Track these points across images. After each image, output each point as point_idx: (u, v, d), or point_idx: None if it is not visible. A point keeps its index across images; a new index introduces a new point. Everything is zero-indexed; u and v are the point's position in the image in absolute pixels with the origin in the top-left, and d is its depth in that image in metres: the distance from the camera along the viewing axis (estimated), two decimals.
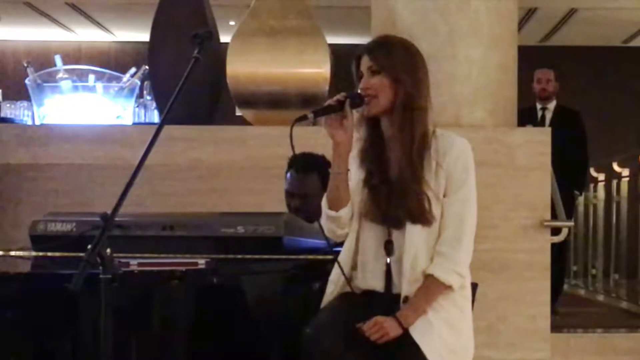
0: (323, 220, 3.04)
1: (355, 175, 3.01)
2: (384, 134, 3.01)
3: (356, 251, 3.04)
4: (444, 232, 2.95)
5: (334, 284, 3.05)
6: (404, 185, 2.93)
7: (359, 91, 2.97)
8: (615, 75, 13.22)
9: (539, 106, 7.05)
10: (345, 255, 3.05)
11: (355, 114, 2.98)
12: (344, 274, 3.00)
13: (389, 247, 2.98)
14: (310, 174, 4.11)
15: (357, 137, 3.01)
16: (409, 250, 2.93)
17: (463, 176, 2.97)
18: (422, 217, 2.92)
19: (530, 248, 4.86)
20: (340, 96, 2.95)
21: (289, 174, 4.17)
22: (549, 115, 7.01)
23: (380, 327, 2.85)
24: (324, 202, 3.03)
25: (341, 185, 2.97)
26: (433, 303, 2.92)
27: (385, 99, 2.95)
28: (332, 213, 3.00)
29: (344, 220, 3.01)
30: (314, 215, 4.03)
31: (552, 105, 7.03)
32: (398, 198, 2.94)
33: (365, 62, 2.99)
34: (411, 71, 2.97)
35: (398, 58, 2.97)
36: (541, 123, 6.88)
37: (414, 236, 2.93)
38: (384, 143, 3.01)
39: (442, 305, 2.93)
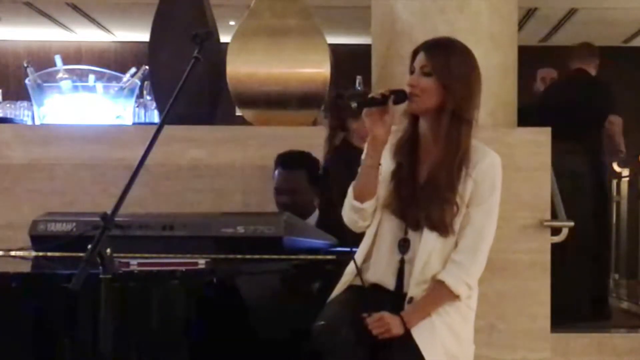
0: (346, 210, 3.04)
1: (385, 166, 3.00)
2: (420, 134, 3.00)
3: (373, 243, 3.04)
4: (462, 241, 2.95)
5: (349, 275, 3.07)
6: (432, 190, 2.92)
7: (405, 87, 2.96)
8: (615, 75, 13.20)
9: None
10: (362, 246, 3.06)
11: (400, 107, 2.97)
12: (357, 268, 3.01)
13: (403, 245, 2.98)
14: (297, 170, 4.16)
15: (395, 129, 3.00)
16: (422, 252, 2.93)
17: (489, 190, 2.97)
18: (441, 226, 2.92)
19: (530, 248, 4.84)
20: (385, 91, 2.94)
21: (276, 172, 4.21)
22: None
23: (384, 323, 2.86)
24: (349, 192, 3.02)
25: (371, 178, 2.96)
26: (438, 308, 2.92)
27: (428, 101, 2.93)
28: (357, 204, 2.99)
29: (367, 212, 3.00)
30: (303, 211, 4.08)
31: None
32: (422, 201, 2.93)
33: (421, 60, 2.96)
34: (464, 81, 2.93)
35: (454, 65, 2.93)
36: None
37: (429, 241, 2.93)
38: (419, 142, 3.01)
39: (447, 311, 2.94)
